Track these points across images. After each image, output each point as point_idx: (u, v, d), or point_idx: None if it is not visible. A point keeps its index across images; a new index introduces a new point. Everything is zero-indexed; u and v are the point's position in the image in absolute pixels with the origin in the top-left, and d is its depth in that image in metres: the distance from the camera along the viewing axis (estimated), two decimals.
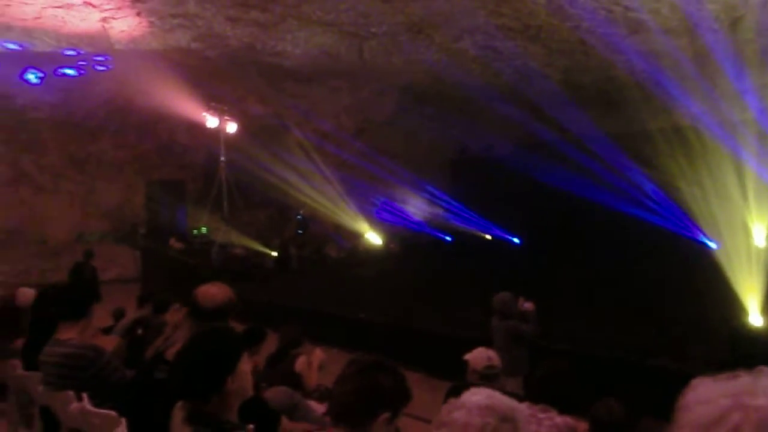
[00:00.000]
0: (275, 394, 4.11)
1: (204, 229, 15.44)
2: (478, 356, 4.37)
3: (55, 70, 14.72)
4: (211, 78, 15.34)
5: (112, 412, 2.58)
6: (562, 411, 3.17)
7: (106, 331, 6.55)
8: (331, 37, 13.57)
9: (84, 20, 12.39)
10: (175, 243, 13.29)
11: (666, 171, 13.44)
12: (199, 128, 15.41)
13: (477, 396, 1.42)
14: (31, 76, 14.83)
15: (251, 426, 2.15)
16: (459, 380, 4.20)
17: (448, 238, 17.11)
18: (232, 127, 14.86)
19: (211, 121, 14.61)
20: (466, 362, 4.35)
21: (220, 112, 14.84)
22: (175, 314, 3.88)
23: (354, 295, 10.77)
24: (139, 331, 5.66)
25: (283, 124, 16.63)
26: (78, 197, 17.03)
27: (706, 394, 0.93)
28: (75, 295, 3.20)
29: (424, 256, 14.77)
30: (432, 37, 13.48)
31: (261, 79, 15.59)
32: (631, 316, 8.03)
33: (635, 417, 3.58)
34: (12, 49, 13.89)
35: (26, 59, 14.37)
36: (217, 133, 15.05)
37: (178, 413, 2.03)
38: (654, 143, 13.62)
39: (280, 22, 12.84)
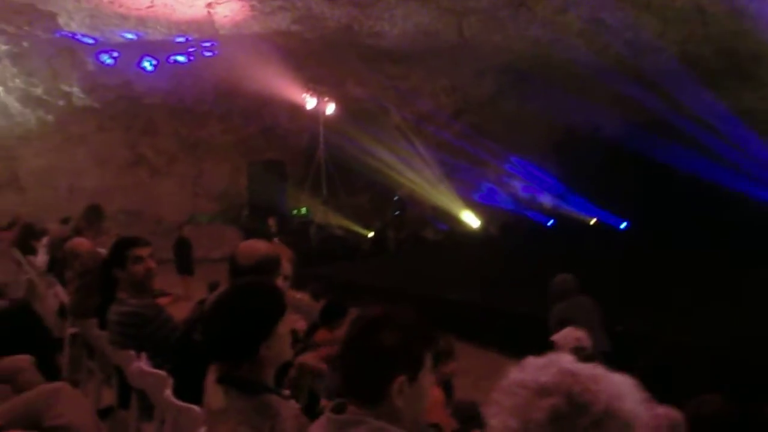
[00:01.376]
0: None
1: (304, 210, 15.72)
2: (567, 336, 4.07)
3: (168, 58, 15.49)
4: (311, 61, 15.54)
5: (162, 372, 2.54)
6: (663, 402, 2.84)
7: (201, 302, 6.77)
8: (429, 15, 13.29)
9: (191, 7, 12.87)
10: (272, 223, 13.61)
11: None
12: (301, 111, 15.68)
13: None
14: (147, 64, 15.68)
15: (287, 391, 1.99)
16: None
17: (549, 222, 16.44)
18: (330, 109, 14.99)
19: (311, 103, 14.81)
20: (553, 343, 4.09)
21: (319, 94, 15.02)
22: None
23: (450, 277, 10.56)
24: None
25: (381, 105, 16.58)
26: (189, 180, 17.90)
27: None
28: (105, 263, 3.20)
29: (524, 240, 14.25)
30: (534, 10, 12.86)
31: (359, 61, 15.59)
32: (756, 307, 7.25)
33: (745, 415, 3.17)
34: (129, 39, 14.71)
35: (142, 48, 15.19)
36: (317, 115, 15.26)
37: (212, 373, 1.92)
38: None
39: (377, 1, 12.74)
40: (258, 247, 2.61)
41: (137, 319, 2.97)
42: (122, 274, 3.11)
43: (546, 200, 17.67)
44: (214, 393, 1.86)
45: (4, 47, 14.98)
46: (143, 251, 3.17)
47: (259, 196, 16.17)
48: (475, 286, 9.61)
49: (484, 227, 16.26)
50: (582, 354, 3.88)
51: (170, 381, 2.46)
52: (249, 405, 1.77)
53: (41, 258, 7.55)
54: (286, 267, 2.92)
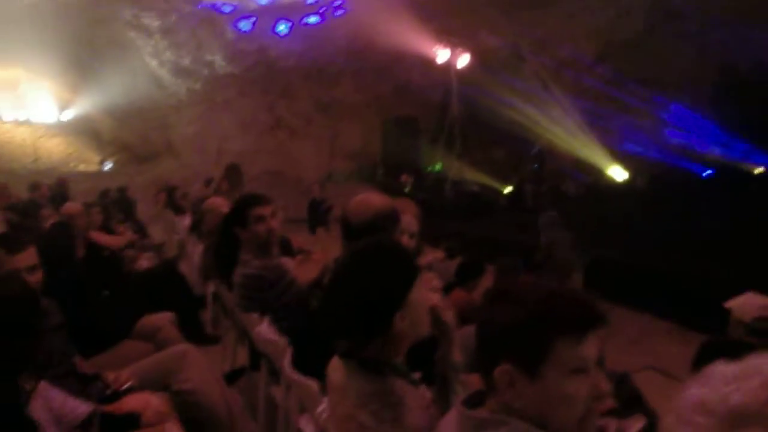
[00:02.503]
0: (472, 331, 3.43)
1: (438, 166, 15.49)
2: (747, 304, 3.40)
3: (300, 20, 15.71)
4: (442, 13, 15.05)
5: (282, 339, 2.44)
6: None
7: (336, 260, 6.82)
8: None
9: None
10: (405, 179, 13.51)
11: None
12: (433, 66, 15.31)
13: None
14: (282, 28, 16.03)
15: (418, 374, 1.66)
16: (717, 334, 3.35)
17: (706, 172, 14.89)
18: (463, 61, 14.47)
19: (443, 56, 14.38)
20: (728, 311, 3.47)
21: (452, 46, 14.54)
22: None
23: (593, 234, 9.88)
24: None
25: (517, 53, 15.76)
26: (325, 140, 18.27)
27: None
28: (226, 222, 3.09)
29: (677, 193, 13.02)
30: None
31: (493, 9, 14.85)
32: None
33: None
34: (263, 4, 15.07)
35: (276, 12, 15.52)
36: (449, 69, 14.81)
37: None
38: None
39: None
40: (371, 201, 2.27)
41: (259, 283, 2.87)
42: (245, 234, 3.02)
43: (702, 148, 16.00)
44: (335, 366, 1.64)
45: (155, 23, 15.96)
46: (265, 210, 3.02)
47: (393, 153, 16.12)
48: (622, 244, 8.90)
49: (632, 179, 15.08)
50: (763, 325, 3.30)
51: (289, 349, 2.35)
52: (370, 388, 1.52)
53: (187, 218, 7.96)
54: (412, 223, 2.67)
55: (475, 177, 14.98)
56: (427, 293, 1.63)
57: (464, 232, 11.77)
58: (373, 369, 1.54)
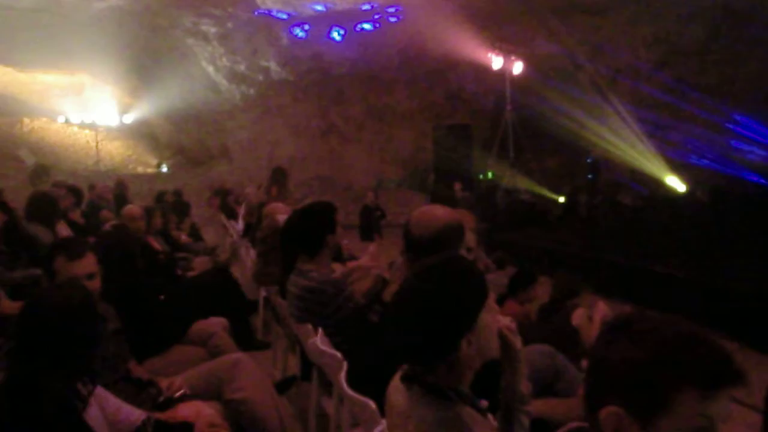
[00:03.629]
0: (532, 354, 2.94)
1: (490, 174, 15.29)
2: None
3: (355, 26, 15.80)
4: (497, 19, 14.90)
5: (337, 354, 2.38)
6: None
7: (390, 264, 6.79)
8: None
9: None
10: (457, 187, 13.38)
11: None
12: (487, 73, 15.14)
13: None
14: (336, 34, 16.16)
15: (485, 402, 1.53)
16: None
17: None
18: (518, 68, 14.27)
19: (497, 63, 14.21)
20: None
21: (506, 53, 14.34)
22: None
23: (650, 246, 9.57)
24: None
25: (573, 61, 15.43)
26: (377, 146, 18.30)
27: None
28: (310, 228, 3.04)
29: (740, 206, 12.48)
30: None
31: (549, 15, 14.59)
32: None
33: None
34: (318, 11, 15.22)
35: (330, 19, 15.64)
36: (503, 76, 14.62)
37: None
38: None
39: None
40: (436, 214, 2.21)
41: (320, 297, 2.81)
42: (332, 240, 3.00)
43: None
44: (396, 389, 1.55)
45: (213, 30, 16.32)
46: (339, 217, 3.07)
47: (444, 160, 16.01)
48: (680, 258, 8.56)
49: (692, 191, 14.55)
50: None
51: (344, 364, 2.30)
52: (436, 415, 1.43)
53: (240, 222, 8.06)
54: (470, 237, 2.57)
55: (527, 186, 14.72)
56: (496, 315, 1.54)
57: (516, 242, 11.60)
58: (439, 395, 1.45)
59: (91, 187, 10.22)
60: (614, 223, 12.60)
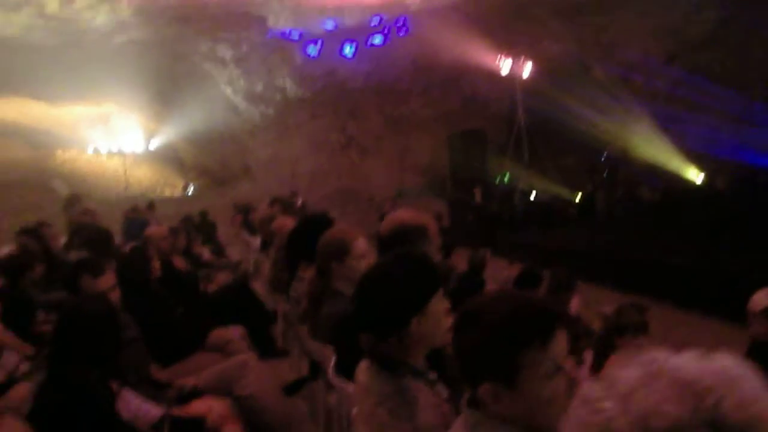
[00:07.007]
0: None
1: (506, 177, 15.44)
2: (760, 296, 3.30)
3: (365, 41, 16.18)
4: (503, 24, 15.12)
5: (327, 346, 2.66)
6: None
7: None
8: None
9: None
10: (477, 192, 13.56)
11: None
12: (499, 78, 15.35)
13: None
14: (347, 50, 16.55)
15: (434, 374, 1.80)
16: None
17: None
18: (527, 71, 14.44)
19: (506, 67, 14.41)
20: None
21: (515, 56, 14.54)
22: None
23: (669, 240, 9.62)
24: None
25: (583, 60, 15.56)
26: (395, 156, 18.58)
27: None
28: (309, 236, 3.28)
29: (760, 196, 12.38)
30: None
31: (554, 17, 14.77)
32: None
33: None
34: (329, 29, 15.64)
35: (341, 35, 16.06)
36: (514, 79, 14.81)
37: (363, 345, 1.84)
38: None
39: None
40: (401, 216, 2.52)
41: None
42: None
43: None
44: (362, 368, 1.83)
45: (229, 53, 16.84)
46: None
47: (461, 166, 16.20)
48: (700, 251, 8.62)
49: (709, 182, 14.50)
50: None
51: (333, 356, 2.57)
52: (389, 387, 1.69)
53: (259, 238, 8.37)
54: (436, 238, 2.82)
55: (544, 186, 14.84)
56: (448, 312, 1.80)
57: (535, 243, 11.71)
58: (391, 369, 1.72)
59: (133, 210, 10.59)
60: (633, 218, 12.65)
